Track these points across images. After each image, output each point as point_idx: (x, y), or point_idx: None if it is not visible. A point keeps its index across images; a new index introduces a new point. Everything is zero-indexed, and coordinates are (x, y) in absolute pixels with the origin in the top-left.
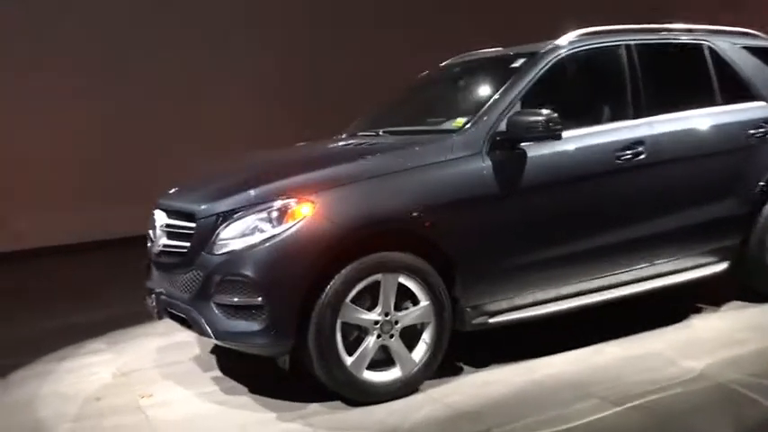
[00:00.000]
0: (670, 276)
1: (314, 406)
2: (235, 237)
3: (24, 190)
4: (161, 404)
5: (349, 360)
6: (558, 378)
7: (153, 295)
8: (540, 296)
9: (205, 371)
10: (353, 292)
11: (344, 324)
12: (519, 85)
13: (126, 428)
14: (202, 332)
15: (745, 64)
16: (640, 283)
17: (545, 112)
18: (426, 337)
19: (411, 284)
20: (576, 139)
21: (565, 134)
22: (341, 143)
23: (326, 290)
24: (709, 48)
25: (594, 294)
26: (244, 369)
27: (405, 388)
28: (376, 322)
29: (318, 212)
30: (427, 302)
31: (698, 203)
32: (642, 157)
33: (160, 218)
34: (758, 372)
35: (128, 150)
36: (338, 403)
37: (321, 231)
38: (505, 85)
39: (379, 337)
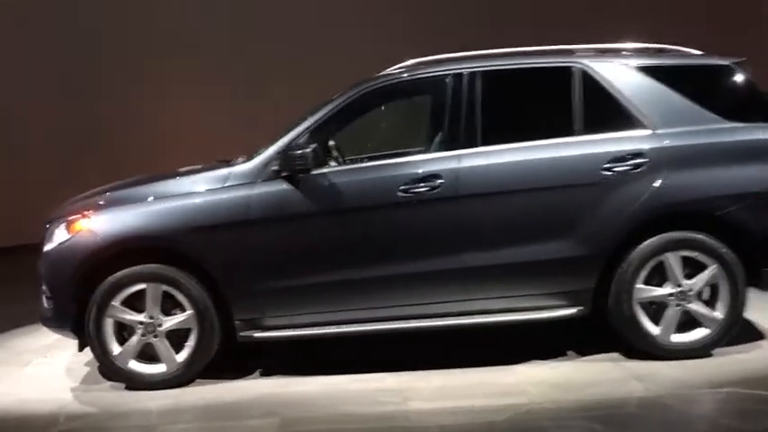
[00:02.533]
0: (499, 314)
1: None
2: (50, 240)
3: None
4: None
5: (117, 351)
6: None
7: None
8: (318, 318)
9: None
10: (122, 296)
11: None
12: (312, 118)
13: None
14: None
15: (631, 87)
16: (456, 318)
17: (309, 147)
18: (190, 341)
19: (176, 294)
20: (358, 172)
21: (353, 166)
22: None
23: (96, 291)
24: (582, 71)
25: (394, 322)
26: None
27: (167, 382)
28: (141, 323)
29: (89, 228)
30: (191, 312)
31: (525, 241)
32: (438, 190)
33: None
34: None
35: None
36: (118, 385)
37: (86, 243)
38: (303, 118)
39: (143, 336)
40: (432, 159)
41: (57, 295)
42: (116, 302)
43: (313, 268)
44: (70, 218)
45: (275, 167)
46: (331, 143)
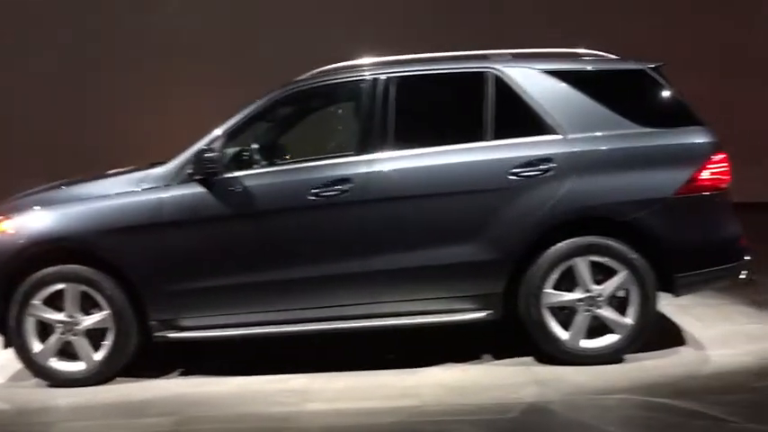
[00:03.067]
0: (409, 317)
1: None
2: None
3: None
4: None
5: (37, 349)
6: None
7: None
8: (232, 319)
9: None
10: (42, 295)
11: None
12: (227, 123)
13: None
14: None
15: (543, 92)
16: (367, 320)
17: (219, 151)
18: (107, 341)
19: (94, 294)
20: (271, 175)
21: (266, 170)
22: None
23: (17, 290)
24: (495, 76)
25: (306, 324)
26: None
27: (86, 380)
28: (60, 322)
29: (11, 229)
30: (108, 312)
31: (434, 245)
32: (347, 194)
33: None
34: None
35: None
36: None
37: (8, 244)
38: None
39: (63, 334)
40: (343, 163)
41: None
42: (36, 301)
43: (225, 270)
44: None
45: (190, 170)
46: (254, 146)
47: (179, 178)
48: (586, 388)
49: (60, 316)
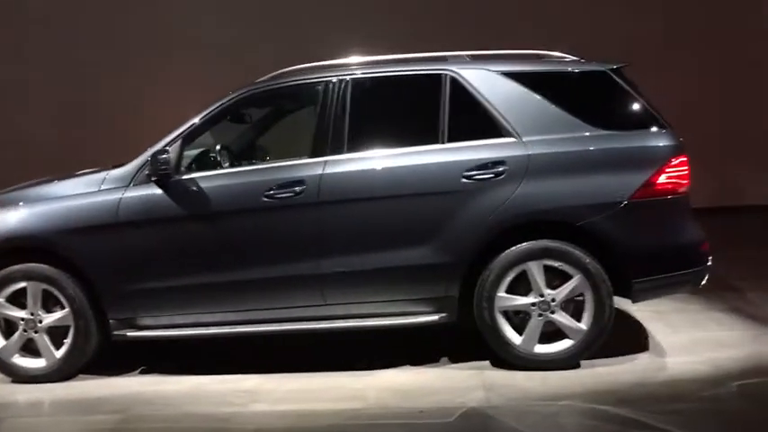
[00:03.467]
0: (363, 319)
1: None
2: None
3: None
4: None
5: (0, 345)
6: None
7: None
8: (188, 319)
9: None
10: (5, 293)
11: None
12: (185, 124)
13: None
14: None
15: (499, 95)
16: (320, 322)
17: (172, 152)
18: (68, 338)
19: (56, 292)
20: (227, 177)
21: (221, 172)
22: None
23: None
24: (452, 78)
25: (262, 325)
26: None
27: (48, 376)
28: (23, 319)
29: None
30: (68, 310)
31: (387, 247)
32: (300, 196)
33: None
34: None
35: None
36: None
37: None
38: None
39: (25, 331)
40: (298, 165)
41: None
42: (1, 299)
43: (181, 271)
44: None
45: (147, 172)
46: (218, 148)
47: (137, 179)
48: (533, 394)
49: (22, 313)
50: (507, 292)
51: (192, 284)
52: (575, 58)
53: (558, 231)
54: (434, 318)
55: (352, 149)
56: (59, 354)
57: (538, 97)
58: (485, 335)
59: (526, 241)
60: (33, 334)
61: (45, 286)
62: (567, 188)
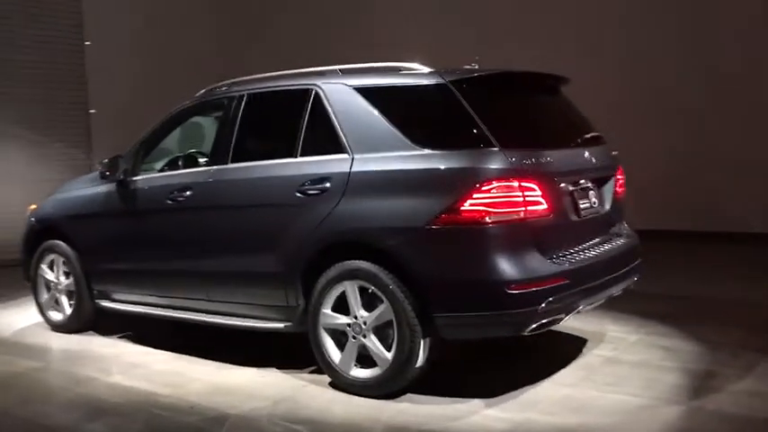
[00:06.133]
0: (225, 317)
1: None
2: None
3: None
4: None
5: (42, 299)
6: None
7: None
8: (139, 299)
9: None
10: (46, 260)
11: None
12: (145, 133)
13: None
14: None
15: (345, 110)
16: (203, 314)
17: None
18: (74, 301)
19: (68, 265)
20: (153, 180)
21: (152, 175)
22: None
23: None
24: (315, 93)
25: (180, 312)
26: None
27: (64, 327)
28: (51, 281)
29: (32, 213)
30: (72, 279)
31: (238, 253)
32: (186, 200)
33: None
34: None
35: None
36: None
37: (28, 221)
38: None
39: (54, 290)
40: (192, 173)
41: None
42: (43, 265)
43: (123, 256)
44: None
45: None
46: (178, 154)
47: (102, 179)
48: (320, 414)
49: (51, 276)
50: (332, 310)
51: (131, 269)
52: (424, 69)
53: (373, 253)
54: (279, 325)
55: (232, 160)
56: (68, 311)
57: (376, 113)
58: (313, 349)
59: (349, 260)
60: (57, 294)
61: (62, 258)
62: (374, 209)
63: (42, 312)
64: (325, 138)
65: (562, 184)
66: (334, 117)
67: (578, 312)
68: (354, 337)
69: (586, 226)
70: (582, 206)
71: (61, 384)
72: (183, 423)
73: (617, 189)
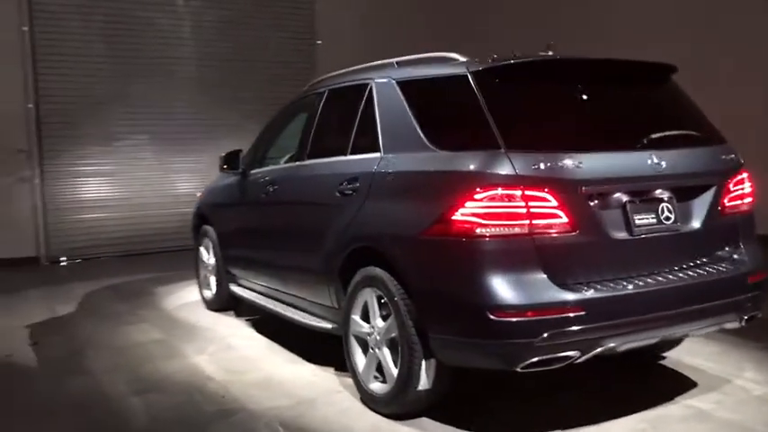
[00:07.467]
0: (294, 311)
1: None
2: None
3: None
4: None
5: None
6: None
7: None
8: (250, 285)
9: None
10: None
11: None
12: (263, 127)
13: None
14: None
15: (385, 105)
16: (281, 306)
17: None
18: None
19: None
20: (263, 173)
21: (262, 169)
22: None
23: None
24: (369, 88)
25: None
26: None
27: (211, 304)
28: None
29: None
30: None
31: (295, 248)
32: (270, 195)
33: None
34: None
35: None
36: None
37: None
38: None
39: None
40: (279, 168)
41: None
42: (201, 247)
43: (237, 243)
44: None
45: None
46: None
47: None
48: (303, 422)
49: (205, 258)
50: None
51: (241, 256)
52: (458, 58)
53: (385, 261)
54: (328, 326)
55: (309, 157)
56: (215, 291)
57: (406, 108)
58: (345, 356)
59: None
60: (207, 274)
61: (211, 242)
62: (383, 213)
63: (200, 291)
64: (369, 134)
65: (604, 194)
66: (377, 112)
67: (612, 352)
68: (372, 349)
69: (645, 246)
70: (638, 222)
71: (157, 354)
72: (203, 411)
73: (724, 201)
